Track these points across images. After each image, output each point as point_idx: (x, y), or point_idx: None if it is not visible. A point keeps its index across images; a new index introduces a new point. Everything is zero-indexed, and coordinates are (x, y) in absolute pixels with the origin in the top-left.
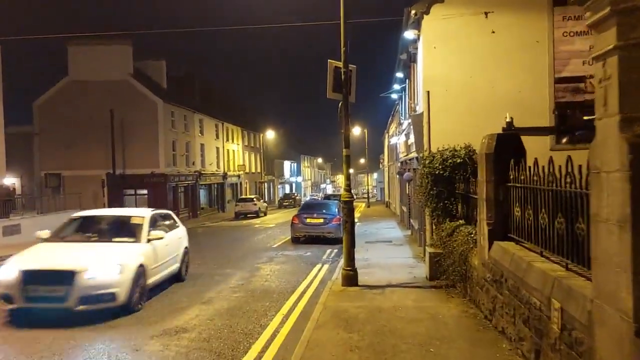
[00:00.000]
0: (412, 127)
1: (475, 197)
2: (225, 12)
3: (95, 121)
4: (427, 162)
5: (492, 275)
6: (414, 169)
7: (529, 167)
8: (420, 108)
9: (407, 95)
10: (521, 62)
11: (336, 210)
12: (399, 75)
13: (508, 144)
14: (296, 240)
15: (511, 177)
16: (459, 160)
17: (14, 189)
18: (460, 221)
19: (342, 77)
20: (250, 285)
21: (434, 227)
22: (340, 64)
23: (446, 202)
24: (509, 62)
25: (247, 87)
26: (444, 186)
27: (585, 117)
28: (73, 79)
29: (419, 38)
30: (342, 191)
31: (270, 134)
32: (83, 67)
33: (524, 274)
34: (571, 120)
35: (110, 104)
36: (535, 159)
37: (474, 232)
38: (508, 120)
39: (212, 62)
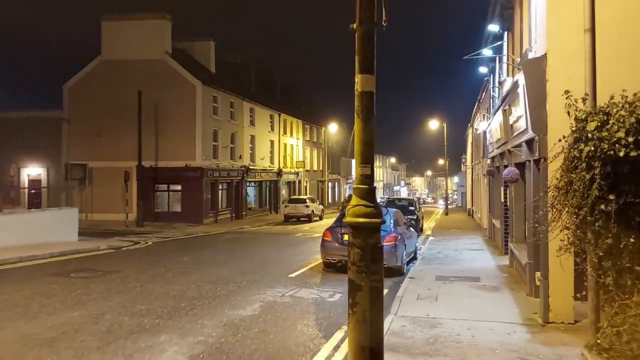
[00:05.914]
0: (522, 88)
1: None
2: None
3: (128, 106)
4: (591, 128)
5: None
6: (516, 164)
7: None
8: (539, 50)
9: (506, 52)
10: None
11: (391, 223)
12: (493, 28)
13: None
14: (330, 266)
15: None
16: None
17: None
18: None
19: None
20: None
21: (602, 295)
22: None
23: None
24: None
25: (313, 80)
26: None
27: None
28: (106, 58)
29: None
30: (352, 195)
31: (333, 127)
32: (117, 44)
33: None
34: None
35: (145, 86)
36: None
37: None
38: None
39: (276, 52)
